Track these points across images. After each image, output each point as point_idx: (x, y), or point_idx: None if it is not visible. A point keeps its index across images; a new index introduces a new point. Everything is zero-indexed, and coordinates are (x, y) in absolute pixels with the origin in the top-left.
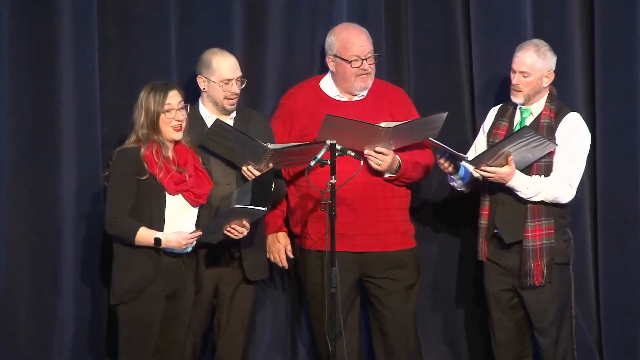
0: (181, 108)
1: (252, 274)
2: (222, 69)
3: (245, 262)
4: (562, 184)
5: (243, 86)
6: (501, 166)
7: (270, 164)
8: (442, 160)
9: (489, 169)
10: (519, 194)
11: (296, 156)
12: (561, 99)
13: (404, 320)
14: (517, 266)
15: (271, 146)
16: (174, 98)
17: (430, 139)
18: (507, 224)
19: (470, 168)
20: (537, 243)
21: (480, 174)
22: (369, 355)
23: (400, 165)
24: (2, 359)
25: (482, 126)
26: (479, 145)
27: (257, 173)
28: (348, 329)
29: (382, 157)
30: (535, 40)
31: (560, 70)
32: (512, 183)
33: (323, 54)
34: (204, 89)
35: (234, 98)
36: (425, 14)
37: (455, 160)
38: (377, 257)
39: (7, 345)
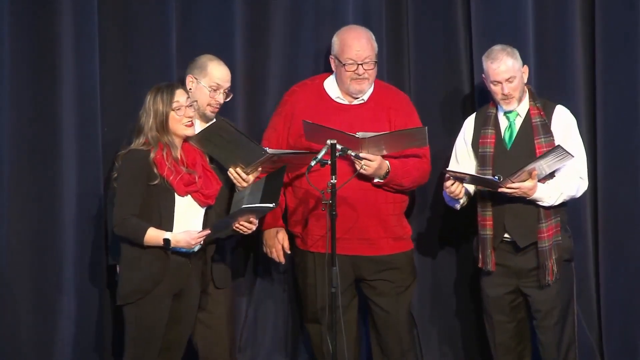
0: (189, 105)
1: (219, 282)
2: (216, 75)
3: (213, 271)
4: (574, 179)
5: (228, 99)
6: (523, 181)
7: (260, 168)
8: (453, 187)
9: (514, 185)
10: (541, 203)
11: (288, 161)
12: (562, 99)
13: (397, 321)
14: (526, 267)
15: (270, 151)
16: (181, 96)
17: (447, 169)
18: (519, 228)
19: (470, 189)
20: (551, 242)
21: (504, 192)
22: (368, 355)
23: (388, 172)
24: (4, 359)
25: (461, 137)
26: (461, 156)
27: (245, 175)
28: (344, 329)
29: (367, 163)
30: (498, 46)
31: (561, 70)
32: (535, 196)
33: (327, 54)
34: (190, 89)
35: (217, 107)
36: (425, 15)
37: (463, 182)
38: (369, 260)
39: (9, 346)
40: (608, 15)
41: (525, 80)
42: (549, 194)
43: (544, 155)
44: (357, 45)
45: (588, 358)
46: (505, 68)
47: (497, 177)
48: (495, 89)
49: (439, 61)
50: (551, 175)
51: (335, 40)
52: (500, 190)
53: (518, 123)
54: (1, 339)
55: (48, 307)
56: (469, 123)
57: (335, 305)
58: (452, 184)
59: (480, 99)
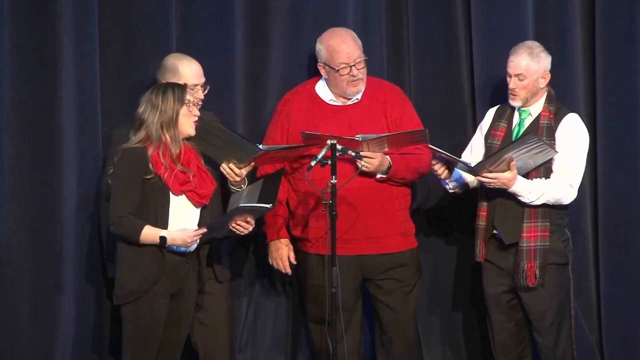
0: (196, 104)
1: (220, 275)
2: (189, 75)
3: (214, 265)
4: (563, 185)
5: (206, 92)
6: (503, 172)
7: (252, 163)
8: (437, 167)
9: (490, 175)
10: (521, 198)
11: (279, 155)
12: (562, 99)
13: (404, 320)
14: (513, 267)
15: (263, 147)
16: (189, 94)
17: (430, 146)
18: (506, 225)
19: (469, 178)
20: (532, 244)
21: (482, 181)
22: (370, 356)
23: (390, 166)
24: (4, 359)
25: (479, 126)
26: (475, 145)
27: (238, 171)
28: (349, 330)
29: (369, 160)
30: (529, 42)
31: (561, 70)
32: (514, 188)
33: None
34: None
35: (199, 104)
36: (426, 14)
37: (451, 166)
38: (377, 259)
39: (8, 346)
40: (608, 15)
41: (542, 86)
42: (529, 190)
43: (518, 143)
44: (346, 48)
45: (588, 358)
46: (518, 64)
47: (469, 163)
48: (507, 79)
49: (439, 61)
50: (548, 174)
51: (321, 47)
52: (478, 178)
53: (527, 122)
54: (1, 339)
55: (47, 307)
56: (490, 114)
57: (336, 305)
58: (436, 164)
59: (480, 98)
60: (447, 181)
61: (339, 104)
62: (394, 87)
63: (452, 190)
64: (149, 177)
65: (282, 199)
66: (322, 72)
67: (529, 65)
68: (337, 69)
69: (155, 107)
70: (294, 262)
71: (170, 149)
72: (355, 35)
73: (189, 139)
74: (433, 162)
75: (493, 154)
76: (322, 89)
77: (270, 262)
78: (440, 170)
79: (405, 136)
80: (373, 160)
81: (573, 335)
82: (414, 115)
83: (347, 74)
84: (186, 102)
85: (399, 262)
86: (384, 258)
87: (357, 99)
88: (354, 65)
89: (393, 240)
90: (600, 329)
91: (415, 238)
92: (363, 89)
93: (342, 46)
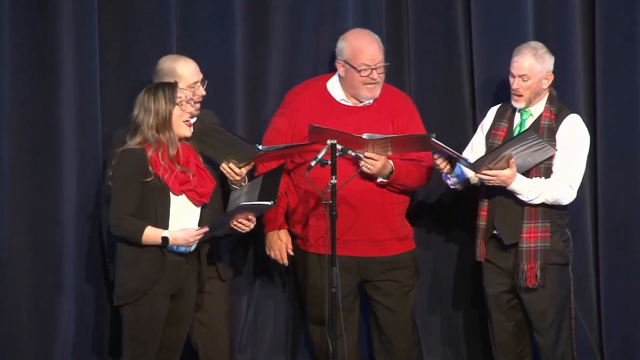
0: (188, 100)
1: (224, 274)
2: (188, 75)
3: (217, 264)
4: (563, 185)
5: (205, 86)
6: (502, 169)
7: (252, 162)
8: (439, 161)
9: (490, 172)
10: (520, 197)
11: (279, 154)
12: (562, 100)
13: (404, 320)
14: (513, 267)
15: (262, 148)
16: (181, 92)
17: (433, 139)
18: (506, 225)
19: (470, 174)
20: (532, 245)
21: (481, 178)
22: (368, 355)
23: (392, 171)
24: (4, 359)
25: (480, 125)
26: (476, 144)
27: (238, 170)
28: (347, 330)
29: (372, 162)
30: (533, 43)
31: (561, 70)
32: (513, 186)
33: (327, 54)
34: None
35: (200, 101)
36: (426, 14)
37: (453, 161)
38: (375, 261)
39: (8, 346)
40: (608, 15)
41: (545, 87)
42: (528, 189)
43: (517, 139)
44: (370, 50)
45: (588, 358)
46: (522, 64)
47: (467, 159)
48: (510, 80)
49: (439, 61)
50: (548, 174)
51: (345, 45)
52: (477, 176)
53: (529, 122)
54: (1, 339)
55: (47, 307)
56: (491, 113)
57: (336, 305)
58: (438, 158)
59: (480, 98)
60: (448, 176)
61: (350, 104)
62: (403, 94)
63: (454, 186)
64: (149, 179)
65: (282, 191)
66: (341, 70)
67: (533, 66)
68: (358, 68)
69: (148, 111)
70: (292, 254)
71: (167, 150)
72: (380, 40)
73: (187, 139)
74: (435, 156)
75: (492, 151)
76: (334, 87)
77: (268, 253)
78: (442, 164)
79: (410, 140)
80: (376, 162)
81: (573, 335)
82: (420, 125)
83: (367, 75)
84: (178, 101)
85: (397, 264)
86: (382, 260)
87: (368, 101)
88: (375, 68)
89: (391, 244)
90: (600, 329)
91: (412, 240)
92: (378, 95)
93: (366, 47)
